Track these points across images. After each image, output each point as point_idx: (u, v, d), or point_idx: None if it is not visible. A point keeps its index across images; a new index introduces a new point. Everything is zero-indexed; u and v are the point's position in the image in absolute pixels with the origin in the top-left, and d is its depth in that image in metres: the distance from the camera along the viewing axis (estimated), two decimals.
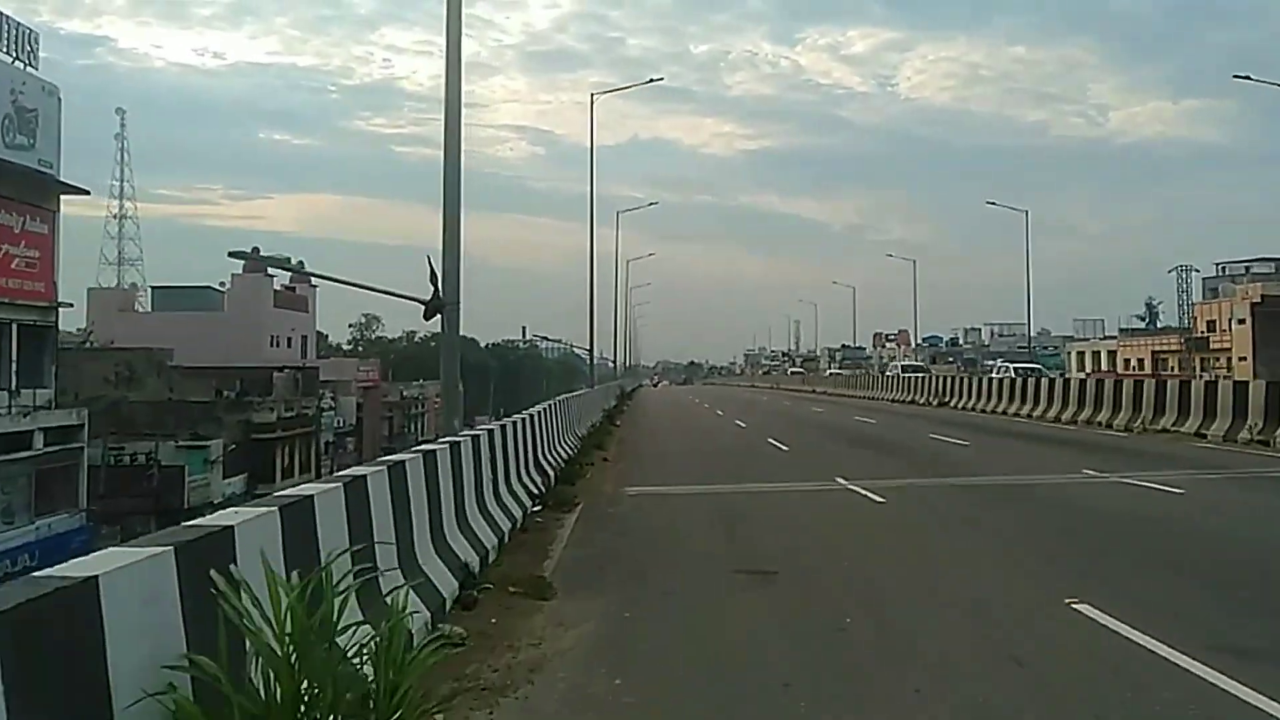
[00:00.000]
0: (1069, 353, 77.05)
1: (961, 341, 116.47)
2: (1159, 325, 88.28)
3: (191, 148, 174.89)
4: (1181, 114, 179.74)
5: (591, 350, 55.30)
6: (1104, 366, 68.23)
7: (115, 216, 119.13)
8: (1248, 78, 35.29)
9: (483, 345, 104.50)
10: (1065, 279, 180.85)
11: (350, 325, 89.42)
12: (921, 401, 41.87)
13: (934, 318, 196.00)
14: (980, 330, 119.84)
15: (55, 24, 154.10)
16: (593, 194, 38.30)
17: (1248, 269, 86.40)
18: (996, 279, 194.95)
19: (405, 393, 71.91)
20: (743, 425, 31.28)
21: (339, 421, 57.21)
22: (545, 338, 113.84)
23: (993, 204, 61.57)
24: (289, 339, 61.73)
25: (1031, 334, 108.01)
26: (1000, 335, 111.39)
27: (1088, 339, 78.53)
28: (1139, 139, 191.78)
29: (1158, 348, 72.07)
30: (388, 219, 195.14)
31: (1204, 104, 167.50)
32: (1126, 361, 71.54)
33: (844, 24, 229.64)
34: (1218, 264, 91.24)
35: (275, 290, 60.59)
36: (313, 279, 54.58)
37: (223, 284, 59.55)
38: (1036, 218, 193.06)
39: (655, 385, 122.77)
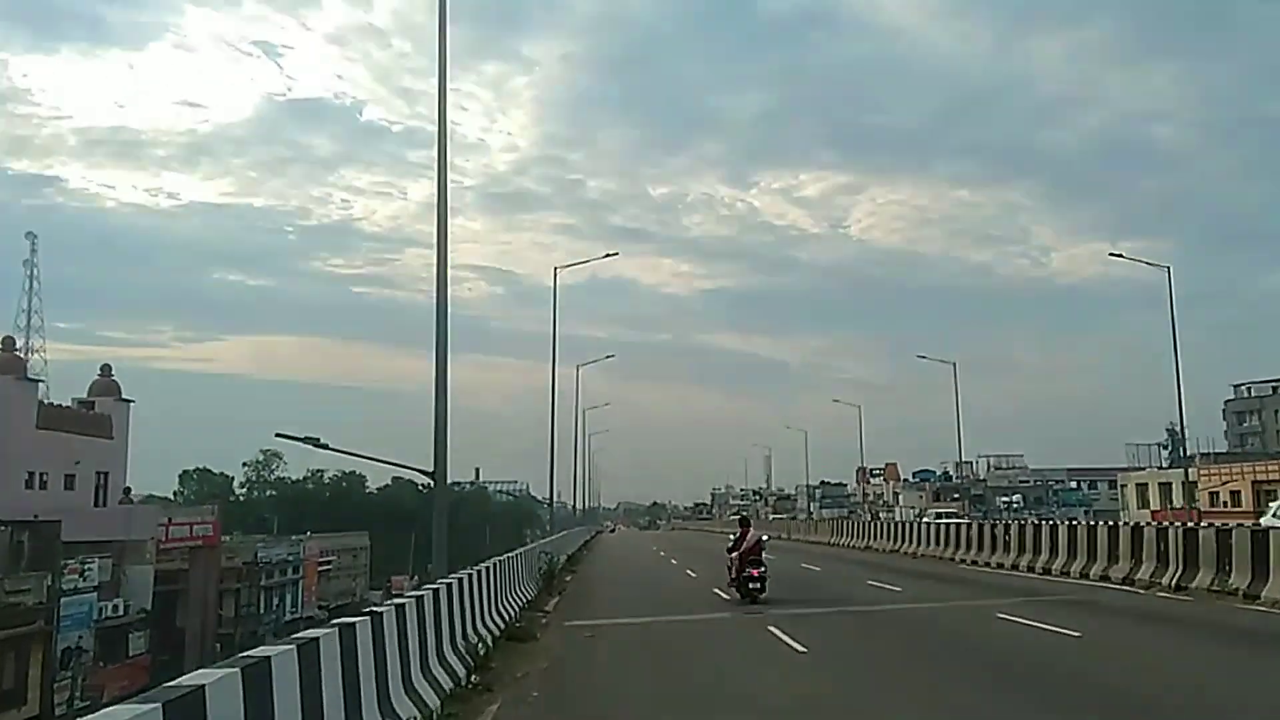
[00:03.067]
0: (1123, 485, 65.78)
1: (954, 475, 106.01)
2: (1185, 453, 75.91)
3: (141, 289, 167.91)
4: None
5: (551, 500, 54.08)
6: (1176, 503, 56.35)
7: (21, 353, 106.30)
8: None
9: (422, 489, 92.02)
10: (1042, 414, 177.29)
11: (245, 464, 76.96)
12: (967, 560, 29.56)
13: (909, 453, 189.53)
14: (974, 463, 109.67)
15: (3, 164, 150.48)
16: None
17: (1275, 389, 78.96)
18: (965, 414, 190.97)
19: (263, 555, 55.84)
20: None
21: (111, 608, 40.31)
22: (491, 482, 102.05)
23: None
24: (69, 477, 44.83)
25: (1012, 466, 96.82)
26: (998, 469, 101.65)
27: (1143, 467, 67.45)
28: (1081, 278, 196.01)
29: (1262, 475, 57.63)
30: (346, 360, 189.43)
31: (1141, 245, 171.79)
32: (1214, 496, 58.08)
33: (796, 168, 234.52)
34: (1235, 385, 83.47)
35: (45, 403, 45.05)
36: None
37: None
38: (992, 354, 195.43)
39: (613, 531, 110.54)
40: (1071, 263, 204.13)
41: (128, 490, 51.34)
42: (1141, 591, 19.36)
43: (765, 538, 21.43)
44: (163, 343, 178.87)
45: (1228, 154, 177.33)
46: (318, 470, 77.38)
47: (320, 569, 63.08)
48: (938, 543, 33.42)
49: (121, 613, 40.55)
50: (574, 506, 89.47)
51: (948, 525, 34.15)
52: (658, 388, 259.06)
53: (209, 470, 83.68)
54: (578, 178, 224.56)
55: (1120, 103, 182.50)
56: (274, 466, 76.17)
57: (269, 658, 5.27)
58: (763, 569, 19.25)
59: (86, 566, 37.65)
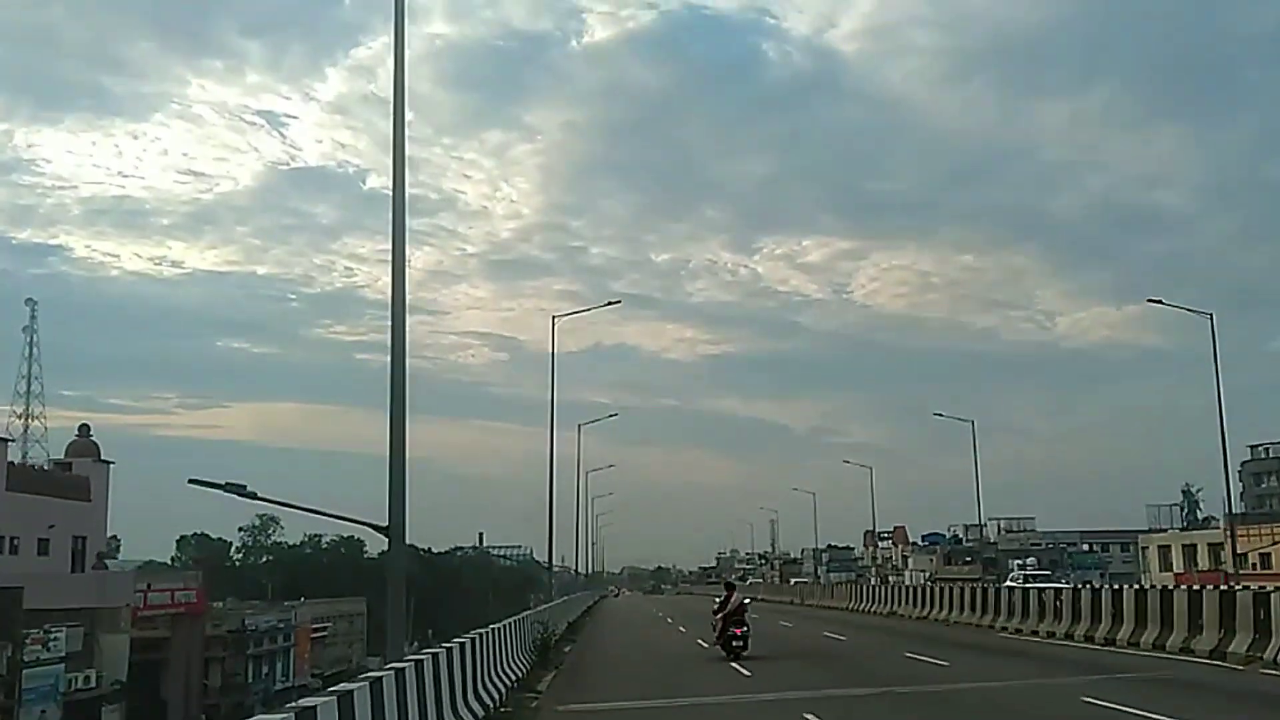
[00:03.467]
0: (1144, 547, 63.98)
1: (964, 538, 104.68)
2: (1200, 516, 74.10)
3: (145, 357, 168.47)
4: (1124, 319, 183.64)
5: (550, 563, 52.51)
6: (1203, 564, 54.61)
7: (20, 418, 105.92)
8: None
9: (424, 552, 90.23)
10: (1050, 477, 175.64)
11: (240, 529, 75.63)
12: (1009, 628, 28.03)
13: (914, 517, 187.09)
14: (984, 527, 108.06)
15: (7, 233, 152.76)
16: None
17: None
18: (967, 478, 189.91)
19: (250, 622, 53.87)
20: None
21: (82, 679, 37.58)
22: (495, 548, 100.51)
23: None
24: (43, 541, 43.13)
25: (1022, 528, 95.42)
26: (1009, 532, 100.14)
27: (1164, 528, 65.62)
28: (1086, 343, 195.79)
29: None
30: (349, 426, 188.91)
31: (1144, 309, 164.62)
32: (1242, 558, 53.42)
33: (799, 234, 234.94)
34: (1252, 446, 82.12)
35: (16, 464, 43.56)
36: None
37: None
38: (997, 418, 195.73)
39: (617, 595, 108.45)
40: (1076, 327, 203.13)
41: (102, 555, 49.60)
42: (1240, 668, 16.93)
43: (748, 600, 23.57)
44: (166, 409, 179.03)
45: (1232, 218, 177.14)
46: (315, 535, 76.16)
47: (314, 636, 61.36)
48: (973, 609, 31.34)
49: (93, 684, 38.04)
50: (576, 570, 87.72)
51: (1042, 590, 28.97)
52: (662, 452, 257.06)
53: (207, 535, 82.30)
54: (580, 244, 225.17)
55: (1124, 167, 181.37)
56: (271, 531, 74.95)
57: None
58: (745, 629, 21.04)
59: (52, 636, 35.48)
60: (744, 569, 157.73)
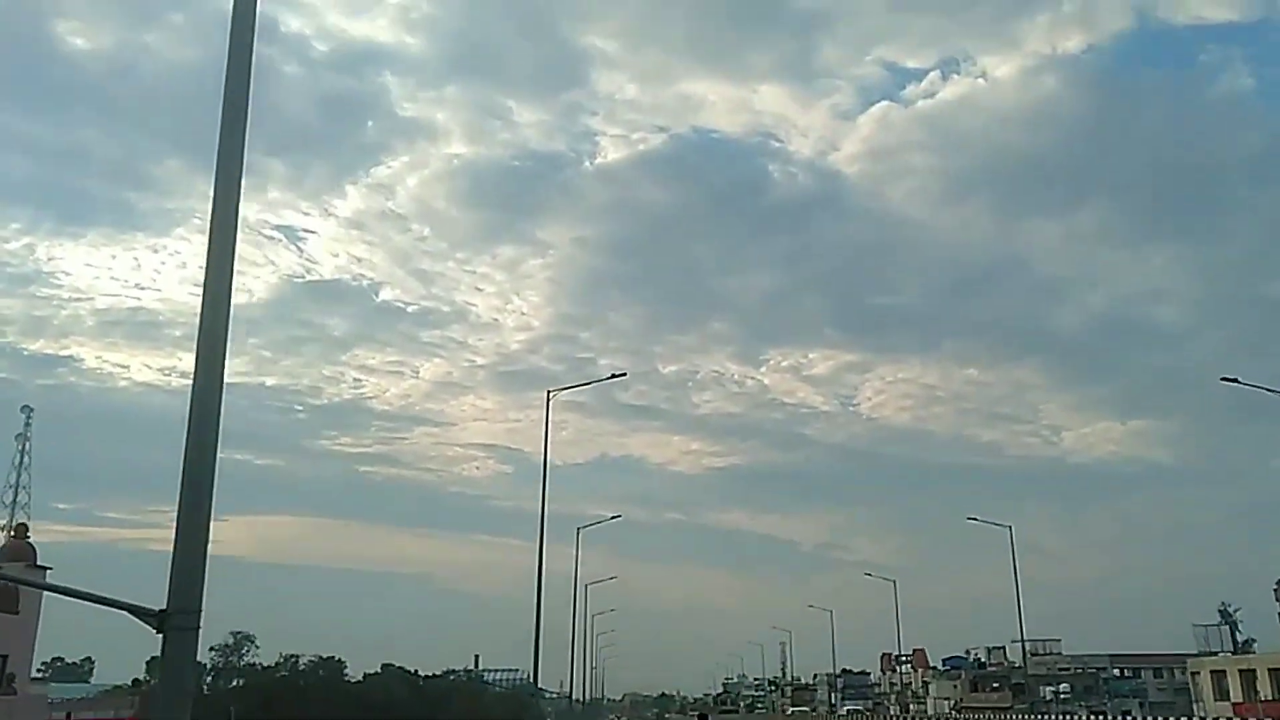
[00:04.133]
0: (1193, 672, 58.65)
1: (987, 662, 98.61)
2: (1239, 638, 68.58)
3: (146, 469, 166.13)
4: (1130, 433, 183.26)
5: (536, 684, 50.06)
6: (1266, 693, 49.51)
7: (5, 530, 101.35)
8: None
9: (412, 674, 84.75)
10: (1067, 596, 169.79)
11: (212, 648, 70.47)
12: None
13: (929, 638, 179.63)
14: (1004, 649, 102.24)
15: (19, 344, 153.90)
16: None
17: None
18: (977, 596, 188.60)
19: None
20: None
21: None
22: (490, 670, 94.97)
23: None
24: None
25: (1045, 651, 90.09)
26: (1034, 655, 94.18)
27: (1214, 651, 60.46)
28: (1092, 458, 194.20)
29: None
30: (346, 540, 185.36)
31: (1149, 424, 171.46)
32: None
33: (805, 346, 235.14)
34: None
35: None
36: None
37: None
38: (1003, 535, 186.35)
39: None
40: (1082, 441, 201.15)
41: (12, 676, 43.62)
42: None
43: None
44: (162, 524, 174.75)
45: (1230, 333, 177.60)
46: (291, 656, 70.98)
47: None
48: None
49: None
50: (574, 699, 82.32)
51: None
52: (666, 569, 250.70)
53: None
54: (589, 355, 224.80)
55: (1121, 283, 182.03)
56: (244, 650, 70.00)
57: None
58: None
59: None
60: (753, 695, 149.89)
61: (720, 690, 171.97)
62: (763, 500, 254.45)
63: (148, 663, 77.58)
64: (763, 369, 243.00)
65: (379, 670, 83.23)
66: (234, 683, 66.68)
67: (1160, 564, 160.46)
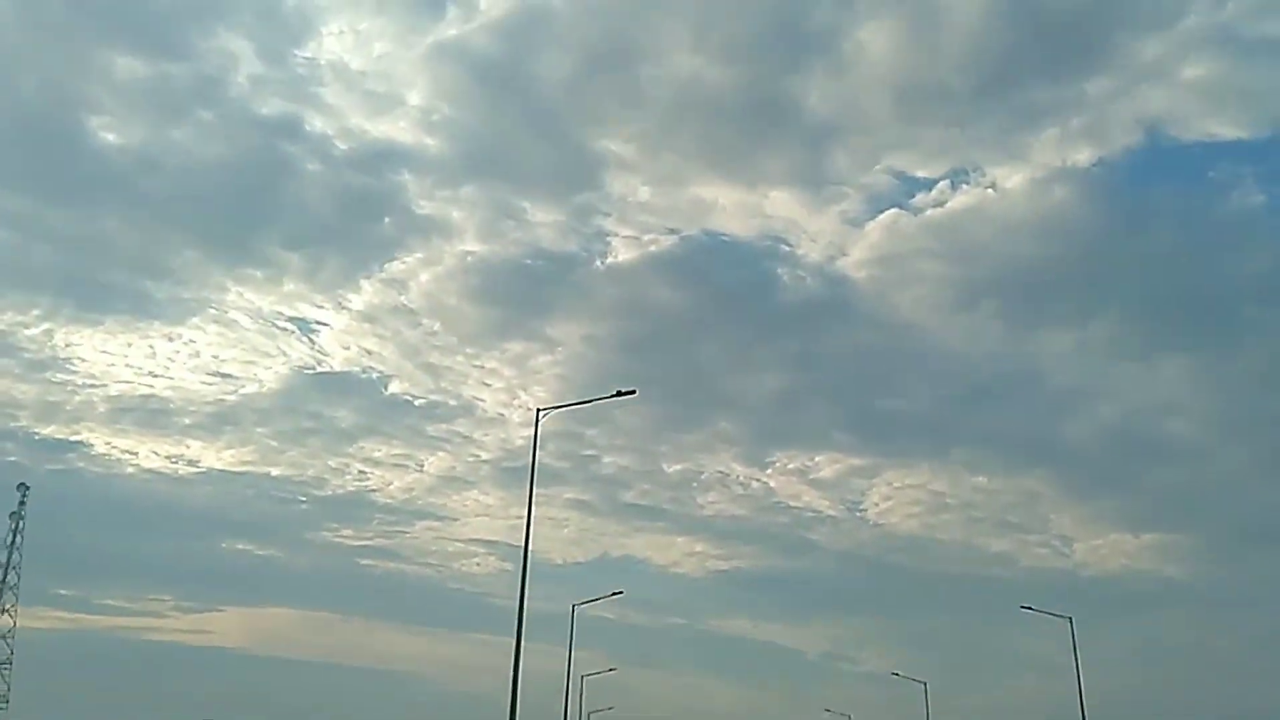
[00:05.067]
0: None
1: None
2: None
3: (147, 556, 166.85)
4: (1143, 547, 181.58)
5: None
6: None
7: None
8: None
9: None
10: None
11: None
12: None
13: None
14: None
15: (31, 429, 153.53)
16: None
17: None
18: (988, 708, 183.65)
19: None
20: None
21: None
22: None
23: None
24: None
25: None
26: None
27: None
28: (1104, 571, 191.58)
29: None
30: (345, 635, 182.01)
31: (1162, 538, 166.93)
32: None
33: (811, 449, 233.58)
34: None
35: None
36: None
37: None
38: (1018, 648, 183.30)
39: None
40: (1095, 554, 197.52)
41: None
42: None
43: None
44: (161, 612, 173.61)
45: (1243, 450, 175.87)
46: None
47: None
48: None
49: None
50: None
51: None
52: (667, 674, 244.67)
53: None
54: (593, 453, 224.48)
55: (1132, 396, 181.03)
56: None
57: None
58: None
59: None
60: None
61: None
62: (766, 607, 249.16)
63: None
64: (769, 471, 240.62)
65: None
66: None
67: (1186, 684, 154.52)
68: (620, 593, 58.72)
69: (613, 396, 40.29)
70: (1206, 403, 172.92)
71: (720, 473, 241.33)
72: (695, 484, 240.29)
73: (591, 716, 72.80)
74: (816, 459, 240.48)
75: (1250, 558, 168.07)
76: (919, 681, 67.85)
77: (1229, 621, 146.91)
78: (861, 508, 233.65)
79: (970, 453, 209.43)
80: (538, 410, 38.76)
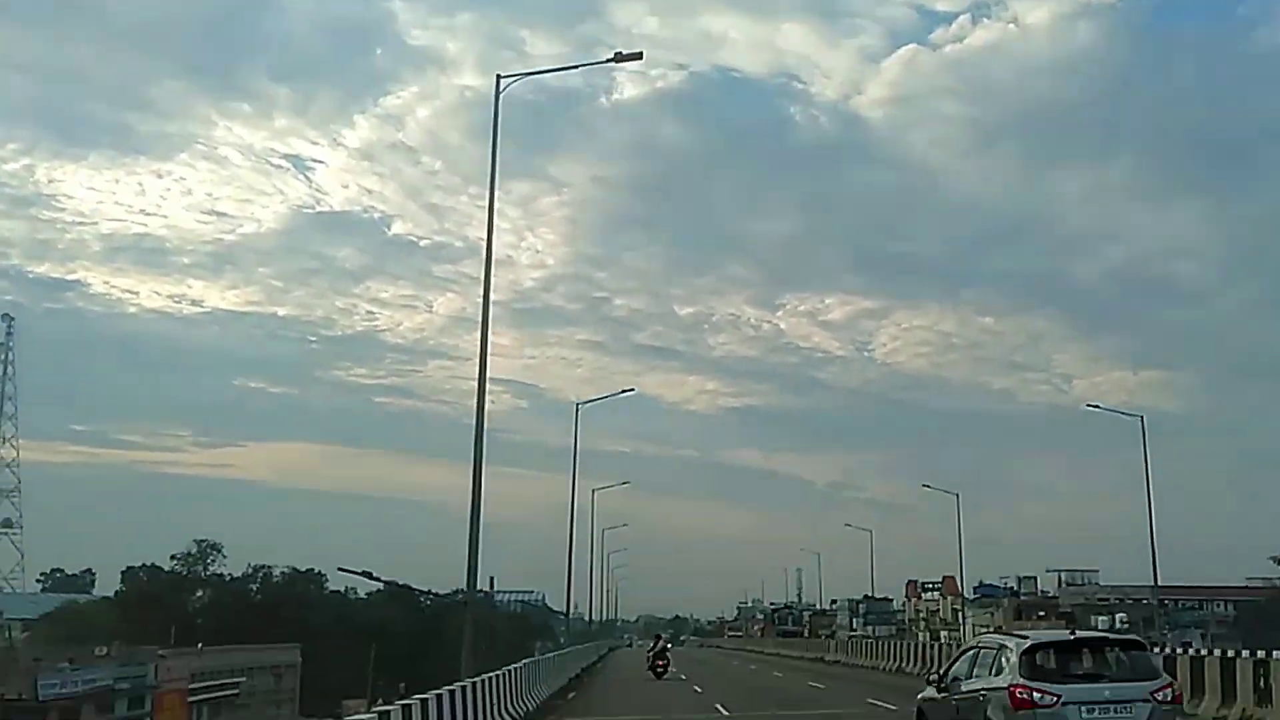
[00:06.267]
0: None
1: (1019, 591, 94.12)
2: None
3: (161, 393, 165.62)
4: (1141, 384, 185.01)
5: (567, 612, 53.03)
6: None
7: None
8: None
9: (424, 595, 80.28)
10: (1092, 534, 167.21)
11: (173, 556, 65.67)
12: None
13: (947, 568, 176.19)
14: (1035, 579, 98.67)
15: (25, 267, 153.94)
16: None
17: None
18: (989, 535, 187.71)
19: (49, 684, 36.88)
20: None
21: None
22: (505, 593, 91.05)
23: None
24: None
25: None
26: (1071, 585, 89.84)
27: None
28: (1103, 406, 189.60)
29: None
30: (364, 468, 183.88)
31: (1162, 375, 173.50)
32: None
33: (822, 291, 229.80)
34: None
35: None
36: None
37: None
38: (1019, 478, 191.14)
39: (630, 646, 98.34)
40: (1094, 390, 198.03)
41: None
42: None
43: (669, 645, 40.27)
44: (180, 447, 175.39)
45: (1249, 289, 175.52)
46: (262, 566, 65.79)
47: (206, 698, 48.87)
48: None
49: None
50: (590, 619, 79.27)
51: None
52: (681, 501, 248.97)
53: (159, 568, 71.98)
54: (604, 295, 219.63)
55: (1143, 237, 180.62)
56: (210, 560, 64.78)
57: None
58: (667, 660, 35.95)
59: None
60: (763, 621, 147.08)
61: (735, 615, 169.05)
62: (776, 440, 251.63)
63: (122, 573, 73.00)
64: (779, 313, 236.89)
65: (368, 596, 78.52)
66: (196, 595, 61.75)
67: (1185, 507, 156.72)
68: (632, 390, 54.00)
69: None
70: (1217, 244, 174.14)
71: (731, 315, 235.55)
72: (707, 326, 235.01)
73: (605, 532, 69.42)
74: (827, 301, 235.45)
75: (1246, 390, 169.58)
76: (951, 493, 63.40)
77: (1224, 446, 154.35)
78: (870, 348, 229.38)
79: (979, 294, 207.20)
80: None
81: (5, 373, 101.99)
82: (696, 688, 30.77)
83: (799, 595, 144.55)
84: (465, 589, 17.20)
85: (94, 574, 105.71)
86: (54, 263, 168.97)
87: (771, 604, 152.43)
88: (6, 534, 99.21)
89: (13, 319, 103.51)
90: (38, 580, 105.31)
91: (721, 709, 22.71)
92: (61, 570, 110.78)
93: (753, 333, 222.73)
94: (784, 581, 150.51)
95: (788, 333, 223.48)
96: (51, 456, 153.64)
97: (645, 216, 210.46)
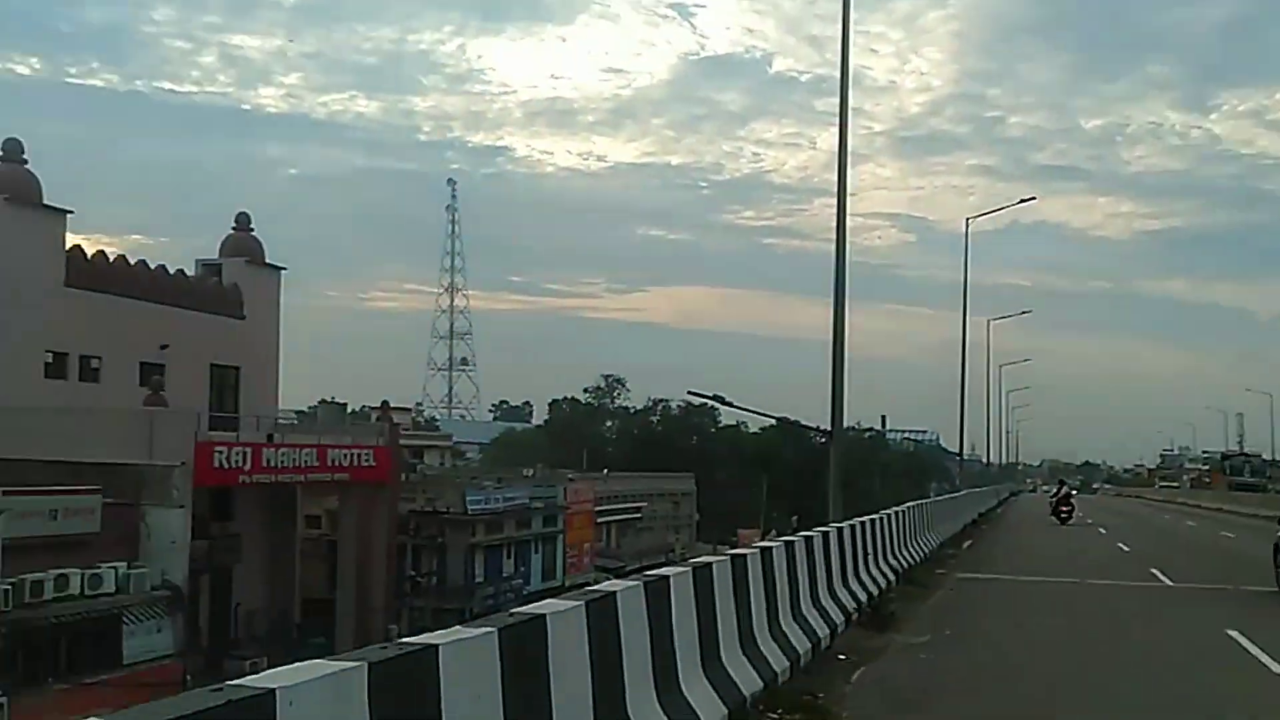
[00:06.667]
0: None
1: None
2: None
3: (576, 245, 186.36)
4: None
5: (961, 453, 52.09)
6: None
7: (443, 312, 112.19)
8: None
9: (818, 430, 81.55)
10: None
11: (585, 390, 71.50)
12: None
13: None
14: None
15: (465, 138, 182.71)
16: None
17: None
18: None
19: (477, 500, 40.82)
20: None
21: (87, 582, 23.81)
22: (898, 431, 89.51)
23: None
24: (149, 366, 31.59)
25: None
26: None
27: None
28: None
29: None
30: (757, 309, 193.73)
31: None
32: None
33: (1270, 86, 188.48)
34: None
35: (79, 249, 31.49)
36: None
37: None
38: None
39: (1033, 491, 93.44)
40: None
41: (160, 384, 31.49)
42: None
43: (1075, 491, 43.38)
44: (596, 294, 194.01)
45: None
46: (660, 400, 69.27)
47: (615, 519, 52.34)
48: None
49: (112, 589, 24.09)
50: (988, 462, 77.80)
51: None
52: (1091, 339, 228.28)
53: (576, 400, 79.38)
54: (997, 114, 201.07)
55: None
56: (616, 394, 69.58)
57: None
58: (1071, 506, 36.48)
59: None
60: (1196, 469, 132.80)
61: (1158, 463, 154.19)
62: (1208, 266, 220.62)
63: (550, 404, 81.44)
64: (1213, 116, 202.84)
65: (760, 430, 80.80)
66: (605, 424, 66.70)
67: None
68: (1033, 198, 51.03)
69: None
70: None
71: (1151, 123, 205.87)
72: (1120, 138, 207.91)
73: (1003, 368, 65.15)
74: (1277, 96, 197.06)
75: None
76: None
77: None
78: None
79: None
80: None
81: (453, 231, 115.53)
82: (1122, 545, 27.17)
83: (1239, 443, 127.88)
84: (830, 426, 15.89)
85: (531, 405, 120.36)
86: (486, 131, 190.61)
87: (1205, 451, 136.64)
88: (464, 371, 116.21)
89: (456, 183, 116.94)
90: (490, 410, 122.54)
91: (1162, 576, 18.82)
92: (507, 401, 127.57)
93: (1178, 141, 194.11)
94: (1221, 427, 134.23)
95: (1224, 138, 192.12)
96: (495, 305, 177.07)
97: (1043, 20, 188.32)
